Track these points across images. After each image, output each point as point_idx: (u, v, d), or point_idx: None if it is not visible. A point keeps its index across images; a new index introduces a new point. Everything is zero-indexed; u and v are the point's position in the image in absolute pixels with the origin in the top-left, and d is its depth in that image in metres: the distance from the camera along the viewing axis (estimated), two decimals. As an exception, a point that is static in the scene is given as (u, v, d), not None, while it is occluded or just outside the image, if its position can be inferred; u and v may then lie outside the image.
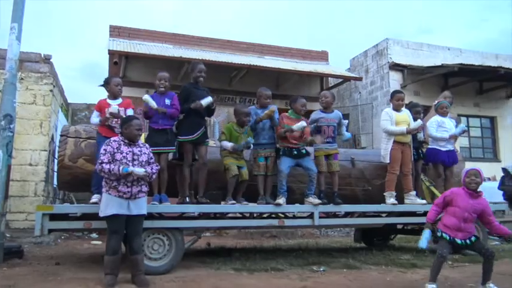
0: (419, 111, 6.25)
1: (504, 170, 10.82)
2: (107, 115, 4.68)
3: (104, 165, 3.97)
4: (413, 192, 5.76)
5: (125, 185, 4.03)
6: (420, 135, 6.12)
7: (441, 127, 6.20)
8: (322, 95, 5.95)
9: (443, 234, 4.02)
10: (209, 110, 5.25)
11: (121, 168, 3.93)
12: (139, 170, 3.97)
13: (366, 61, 14.79)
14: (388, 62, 13.55)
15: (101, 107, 4.83)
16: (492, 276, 4.00)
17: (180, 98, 5.14)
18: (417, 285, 4.25)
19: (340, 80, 14.16)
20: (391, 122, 5.79)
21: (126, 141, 4.16)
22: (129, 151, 4.12)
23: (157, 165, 4.30)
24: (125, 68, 12.23)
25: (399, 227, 7.38)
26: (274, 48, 14.70)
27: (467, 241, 3.97)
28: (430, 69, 12.71)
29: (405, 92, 12.56)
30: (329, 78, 14.63)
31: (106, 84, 5.00)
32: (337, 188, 5.62)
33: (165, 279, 4.39)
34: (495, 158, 14.58)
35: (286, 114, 5.49)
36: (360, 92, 14.97)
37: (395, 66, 13.47)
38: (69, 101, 12.30)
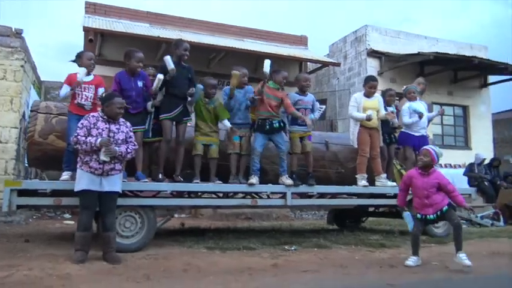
0: (392, 94, 6.36)
1: (478, 157, 11.19)
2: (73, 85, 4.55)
3: (79, 137, 3.93)
4: (384, 175, 5.89)
5: (96, 161, 3.98)
6: (393, 121, 6.21)
7: (414, 112, 6.33)
8: (307, 79, 5.93)
9: (418, 215, 4.46)
10: (190, 93, 5.21)
11: (97, 141, 3.89)
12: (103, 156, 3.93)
13: (345, 47, 14.87)
14: (366, 49, 13.66)
15: (71, 81, 4.68)
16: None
17: (159, 73, 5.07)
18: (384, 262, 4.37)
19: (319, 65, 14.21)
20: (358, 108, 5.89)
21: (105, 117, 4.09)
22: (106, 127, 4.06)
23: (134, 145, 4.24)
24: (100, 47, 11.94)
25: (370, 209, 7.57)
26: (254, 31, 14.58)
27: (438, 213, 4.31)
28: (407, 57, 12.89)
29: (382, 79, 12.96)
30: (308, 63, 14.64)
31: (78, 58, 4.86)
32: (311, 169, 5.70)
33: (137, 256, 4.39)
34: (466, 146, 14.98)
35: (268, 84, 5.48)
36: (338, 78, 15.08)
37: (373, 53, 13.60)
38: (42, 79, 11.98)
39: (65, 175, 4.58)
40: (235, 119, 5.26)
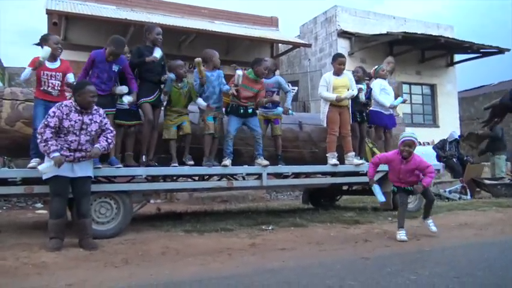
0: (359, 76, 6.42)
1: (451, 135, 11.53)
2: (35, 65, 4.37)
3: (47, 130, 3.82)
4: (352, 153, 5.99)
5: (67, 149, 3.90)
6: (362, 96, 6.28)
7: (384, 90, 6.47)
8: (265, 67, 5.88)
9: (393, 187, 4.75)
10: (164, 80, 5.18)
11: (52, 155, 3.80)
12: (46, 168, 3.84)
13: (315, 28, 14.90)
14: (337, 30, 13.74)
15: (35, 64, 4.52)
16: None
17: (132, 59, 5.07)
18: (358, 238, 4.51)
19: (290, 46, 14.21)
20: (328, 88, 5.94)
21: (77, 108, 3.98)
22: (79, 119, 3.96)
23: (111, 131, 4.16)
24: (65, 30, 11.55)
25: (344, 188, 7.73)
26: (224, 13, 14.41)
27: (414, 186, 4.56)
28: (376, 37, 13.05)
29: (352, 59, 13.11)
30: (279, 44, 14.62)
31: (43, 41, 4.66)
32: (281, 151, 5.78)
33: (114, 241, 4.36)
34: (434, 123, 15.42)
35: (245, 72, 5.44)
36: (309, 59, 15.14)
37: (343, 34, 13.70)
38: (6, 65, 11.52)
39: (33, 162, 4.43)
40: (210, 102, 5.21)
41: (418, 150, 10.83)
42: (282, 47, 15.09)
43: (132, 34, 11.26)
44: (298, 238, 4.58)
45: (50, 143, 3.81)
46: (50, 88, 4.49)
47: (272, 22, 15.01)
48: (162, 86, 5.23)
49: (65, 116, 3.89)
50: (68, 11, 10.62)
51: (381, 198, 4.76)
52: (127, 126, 4.89)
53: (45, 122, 3.85)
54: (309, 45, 13.73)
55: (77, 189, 4.04)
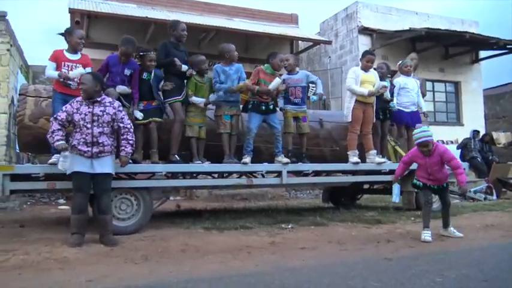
0: (383, 72, 6.31)
1: (474, 131, 11.27)
2: (62, 73, 4.45)
3: (54, 122, 3.95)
4: (374, 151, 5.88)
5: (84, 144, 3.94)
6: (386, 94, 6.17)
7: (404, 89, 6.33)
8: (284, 58, 5.80)
9: (418, 182, 4.52)
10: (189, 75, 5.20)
11: (56, 143, 3.93)
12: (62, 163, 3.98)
13: (336, 25, 14.73)
14: (358, 26, 13.53)
15: (57, 58, 4.54)
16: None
17: (158, 55, 5.08)
18: (380, 238, 4.40)
19: (310, 44, 14.07)
20: (356, 81, 5.83)
21: (87, 100, 4.02)
22: (89, 111, 3.98)
23: (130, 130, 4.14)
24: (87, 29, 11.69)
25: (365, 187, 7.61)
26: (244, 10, 14.37)
27: (441, 186, 4.43)
28: (398, 33, 12.80)
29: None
30: (299, 41, 14.50)
31: (67, 34, 4.70)
32: (305, 149, 5.70)
33: (134, 238, 4.37)
34: (458, 122, 15.05)
35: (262, 68, 5.42)
36: (329, 57, 14.97)
37: (364, 30, 13.48)
38: (30, 64, 11.74)
39: (54, 158, 4.47)
40: (227, 96, 5.19)
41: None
42: (301, 45, 14.97)
43: (153, 32, 11.37)
44: (319, 237, 4.51)
45: (55, 133, 3.91)
46: (69, 80, 4.52)
47: (292, 19, 14.89)
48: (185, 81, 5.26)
49: (75, 110, 3.96)
50: (90, 9, 10.74)
51: (395, 198, 4.69)
52: (145, 125, 4.89)
53: (55, 115, 3.97)
54: (329, 42, 13.58)
55: (97, 185, 4.06)
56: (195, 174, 5.39)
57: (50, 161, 4.45)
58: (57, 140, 3.93)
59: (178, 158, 5.04)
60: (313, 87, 14.06)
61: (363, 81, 5.81)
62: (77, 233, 3.97)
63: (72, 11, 10.51)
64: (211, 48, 12.66)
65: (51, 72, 4.56)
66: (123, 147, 4.14)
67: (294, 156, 5.54)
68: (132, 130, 4.18)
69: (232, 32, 11.92)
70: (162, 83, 5.07)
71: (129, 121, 4.20)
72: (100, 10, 11.01)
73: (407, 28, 12.83)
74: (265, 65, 5.47)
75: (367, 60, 5.94)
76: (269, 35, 12.63)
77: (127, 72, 4.77)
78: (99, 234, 4.12)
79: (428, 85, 14.77)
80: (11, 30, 8.53)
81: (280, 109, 5.66)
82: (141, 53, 4.97)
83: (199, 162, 5.01)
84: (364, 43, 13.54)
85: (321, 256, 3.68)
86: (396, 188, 4.70)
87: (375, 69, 6.40)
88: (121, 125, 4.14)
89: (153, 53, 4.98)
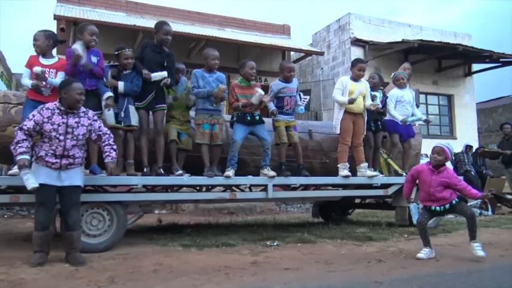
0: (376, 83, 6.07)
1: (467, 146, 11.05)
2: (34, 78, 4.12)
3: (19, 133, 3.55)
4: (365, 164, 5.59)
5: (52, 155, 3.60)
6: (378, 107, 5.92)
7: (400, 102, 6.08)
8: (290, 69, 5.51)
9: (414, 206, 4.51)
10: (165, 85, 4.87)
11: (17, 157, 3.53)
12: (28, 181, 3.52)
13: (328, 36, 14.59)
14: (350, 38, 13.41)
15: (31, 64, 4.23)
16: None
17: (136, 56, 4.82)
18: (372, 257, 4.09)
19: (302, 54, 13.90)
20: (343, 92, 5.57)
21: (62, 108, 3.66)
22: (63, 122, 3.63)
23: (110, 135, 3.88)
24: (74, 37, 11.41)
25: (357, 201, 7.32)
26: (236, 20, 14.21)
27: (447, 206, 4.14)
28: (391, 45, 12.68)
29: (366, 68, 12.69)
30: (291, 53, 14.33)
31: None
32: (301, 160, 5.42)
33: (105, 256, 4.03)
34: (451, 135, 14.89)
35: (236, 82, 5.14)
36: (322, 68, 14.81)
37: (357, 42, 13.37)
38: (14, 71, 11.43)
39: (15, 168, 4.07)
40: (206, 104, 4.89)
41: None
42: (294, 56, 14.80)
43: (141, 41, 11.12)
44: (305, 256, 4.19)
45: (19, 144, 3.53)
46: (42, 86, 4.20)
47: (284, 30, 14.74)
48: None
49: (45, 120, 3.58)
50: (76, 16, 10.47)
51: (416, 219, 4.39)
52: (123, 131, 4.56)
53: (21, 125, 3.59)
54: (322, 53, 13.40)
55: (64, 199, 3.72)
56: (175, 188, 5.05)
57: (11, 171, 4.10)
58: (20, 153, 3.52)
59: (163, 172, 4.72)
60: (304, 98, 13.86)
61: (351, 91, 5.54)
62: (40, 251, 3.62)
63: (57, 18, 10.24)
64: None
65: (26, 79, 4.26)
66: (107, 153, 3.82)
67: (286, 168, 5.22)
68: (112, 135, 3.88)
69: (223, 41, 11.71)
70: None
71: (105, 128, 3.91)
72: (87, 17, 10.74)
73: (400, 40, 12.69)
74: (239, 78, 5.20)
75: (358, 69, 5.69)
76: (260, 45, 12.43)
77: (94, 59, 4.42)
78: (65, 252, 3.77)
79: (422, 98, 14.63)
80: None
81: (272, 113, 5.32)
82: (116, 52, 4.66)
83: (180, 172, 4.69)
84: (356, 54, 13.38)
85: (305, 279, 3.35)
86: (414, 208, 4.49)
87: (369, 78, 6.17)
88: (100, 133, 3.84)
89: (128, 50, 4.67)
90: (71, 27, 10.93)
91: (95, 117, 3.86)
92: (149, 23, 11.85)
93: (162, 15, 13.02)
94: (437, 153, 4.11)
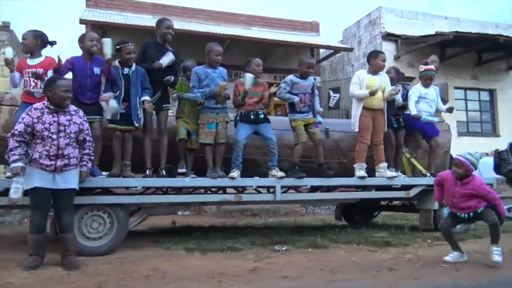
0: (394, 78, 5.66)
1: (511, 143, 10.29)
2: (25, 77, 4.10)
3: (11, 140, 3.49)
4: (384, 164, 5.20)
5: (47, 157, 3.53)
6: (398, 98, 5.50)
7: (423, 99, 5.63)
8: (310, 65, 5.21)
9: (447, 210, 4.21)
10: (167, 83, 4.74)
11: (12, 165, 3.47)
12: (13, 190, 3.44)
13: (359, 32, 14.09)
14: (381, 32, 12.86)
15: (20, 67, 4.21)
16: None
17: (137, 58, 4.68)
18: (384, 265, 3.75)
19: (331, 51, 13.50)
20: (361, 86, 5.22)
21: (51, 107, 3.60)
22: (54, 121, 3.57)
23: (90, 141, 3.80)
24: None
25: (383, 203, 6.92)
26: (262, 19, 14.00)
27: (471, 214, 3.88)
28: (424, 38, 12.02)
29: (399, 64, 12.12)
30: (320, 50, 13.96)
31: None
32: (322, 159, 5.12)
33: (102, 260, 3.92)
34: (494, 132, 13.99)
35: (241, 80, 4.92)
36: (352, 65, 14.31)
37: (388, 36, 12.81)
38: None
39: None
40: (211, 102, 4.70)
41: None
42: (323, 53, 14.42)
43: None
44: (311, 263, 3.91)
45: (13, 152, 3.47)
46: (32, 88, 4.15)
47: (312, 27, 14.38)
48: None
49: (35, 120, 3.50)
50: (101, 20, 10.62)
51: (440, 223, 4.13)
52: (122, 132, 4.45)
53: (12, 131, 3.53)
54: (351, 49, 12.96)
55: (58, 202, 3.64)
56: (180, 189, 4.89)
57: (8, 174, 4.08)
58: (14, 161, 3.47)
59: (164, 173, 4.60)
60: (334, 96, 13.38)
61: (369, 85, 5.18)
62: (34, 255, 3.56)
63: (83, 22, 10.43)
64: (227, 58, 12.37)
65: (12, 79, 4.26)
66: (84, 162, 3.77)
67: (300, 169, 4.95)
68: (92, 142, 3.81)
69: (249, 41, 11.53)
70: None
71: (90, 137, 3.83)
72: (113, 21, 10.88)
73: (434, 32, 12.02)
74: (244, 75, 4.97)
75: (382, 60, 5.34)
76: (286, 43, 12.15)
77: (97, 71, 4.33)
78: (61, 255, 3.69)
79: (460, 93, 13.84)
80: (17, 41, 8.44)
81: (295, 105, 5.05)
82: (118, 46, 4.53)
83: (184, 170, 4.54)
84: (388, 49, 12.80)
85: (302, 288, 3.10)
86: (444, 212, 4.25)
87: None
88: (87, 137, 3.76)
89: (131, 45, 4.54)
90: (98, 32, 11.09)
91: (85, 118, 3.77)
92: (175, 24, 11.87)
93: (189, 16, 13.04)
94: (457, 166, 3.82)
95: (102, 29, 11.12)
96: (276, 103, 13.70)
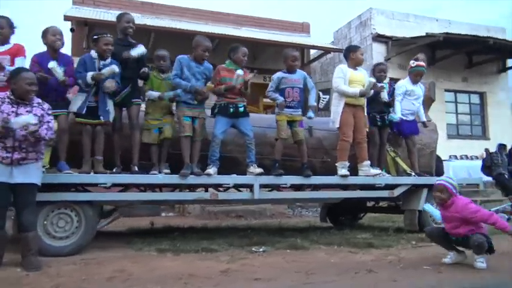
0: (383, 69, 5.56)
1: (501, 145, 10.22)
2: None
3: None
4: (367, 162, 5.04)
5: (3, 149, 3.32)
6: (384, 95, 5.38)
7: (409, 96, 5.52)
8: (295, 57, 5.09)
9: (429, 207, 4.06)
10: (143, 75, 4.59)
11: None
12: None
13: (350, 33, 13.99)
14: (372, 33, 12.75)
15: None
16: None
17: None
18: (364, 267, 3.57)
19: (322, 52, 13.37)
20: (344, 81, 5.07)
21: (12, 98, 3.41)
22: (12, 111, 3.37)
23: (51, 123, 3.55)
24: (88, 39, 11.38)
25: (369, 204, 6.76)
26: (252, 18, 13.85)
27: (459, 239, 3.66)
28: (414, 39, 11.92)
29: (389, 65, 11.96)
30: (310, 51, 13.82)
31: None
32: (306, 159, 4.97)
33: (66, 261, 3.71)
34: (484, 136, 13.91)
35: (223, 66, 4.75)
36: (342, 66, 14.18)
37: (378, 38, 12.71)
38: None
39: None
40: (189, 97, 4.51)
41: (464, 165, 9.61)
42: (313, 54, 14.28)
43: (154, 41, 10.97)
44: (288, 264, 3.72)
45: None
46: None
47: (303, 28, 14.24)
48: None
49: None
50: (87, 17, 10.40)
51: (437, 215, 3.85)
52: (92, 126, 4.24)
53: None
54: (341, 50, 12.74)
55: (17, 198, 3.43)
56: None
57: None
58: None
59: (137, 169, 4.40)
60: (324, 97, 13.24)
61: (351, 81, 5.05)
62: (-9, 255, 3.35)
63: (67, 19, 10.21)
64: (215, 59, 12.20)
65: None
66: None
67: (279, 166, 4.78)
68: (53, 134, 3.55)
69: (238, 40, 11.35)
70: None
71: (51, 133, 3.54)
72: (100, 18, 10.66)
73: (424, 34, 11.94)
74: (227, 61, 4.80)
75: (361, 53, 5.26)
76: (276, 43, 11.99)
77: (61, 70, 4.13)
78: (21, 256, 3.47)
79: (451, 96, 13.78)
80: None
81: (279, 106, 4.90)
82: (95, 36, 4.33)
83: (155, 172, 4.34)
84: (378, 51, 12.74)
85: (273, 291, 2.91)
86: (428, 208, 4.02)
87: (372, 70, 5.67)
88: (47, 131, 3.49)
89: (110, 36, 4.33)
90: (85, 30, 10.88)
91: (49, 112, 3.56)
92: (163, 23, 11.69)
93: (177, 15, 12.87)
94: (440, 192, 3.62)
95: (88, 26, 10.92)
96: (265, 104, 13.57)
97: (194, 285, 3.01)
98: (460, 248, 3.76)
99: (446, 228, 3.72)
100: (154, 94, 4.56)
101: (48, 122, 3.48)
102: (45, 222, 3.91)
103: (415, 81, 5.64)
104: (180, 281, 3.10)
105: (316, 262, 3.82)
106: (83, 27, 10.81)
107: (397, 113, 5.44)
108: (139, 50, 4.48)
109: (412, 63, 5.72)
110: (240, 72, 4.54)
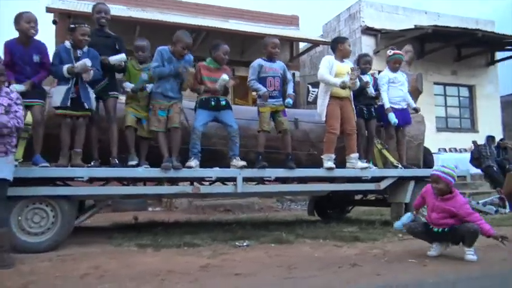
0: (368, 61, 5.48)
1: (489, 137, 10.24)
2: None
3: None
4: (355, 155, 4.96)
5: None
6: (370, 90, 5.32)
7: (393, 83, 5.46)
8: (275, 44, 4.94)
9: (424, 218, 3.91)
10: (119, 68, 4.52)
11: None
12: None
13: (339, 26, 13.89)
14: (361, 26, 12.66)
15: None
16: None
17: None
18: (347, 261, 3.49)
19: (311, 45, 13.27)
20: (330, 72, 4.98)
21: None
22: None
23: (17, 118, 3.40)
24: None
25: (357, 197, 6.70)
26: (241, 11, 13.69)
27: (446, 230, 3.58)
28: (403, 32, 11.85)
29: (379, 58, 11.93)
30: (299, 44, 13.71)
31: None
32: (290, 150, 4.86)
33: (42, 257, 3.59)
34: (472, 128, 13.93)
35: (204, 63, 4.63)
36: (332, 60, 14.09)
37: (367, 30, 12.62)
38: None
39: None
40: (166, 87, 4.36)
41: (453, 158, 9.53)
42: (302, 48, 14.16)
43: (139, 34, 10.77)
44: (271, 259, 3.63)
45: None
46: None
47: (292, 21, 14.12)
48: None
49: None
50: (69, 9, 10.18)
51: (398, 225, 3.87)
52: (73, 118, 4.09)
53: None
54: (328, 43, 12.64)
55: (-14, 193, 3.29)
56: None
57: None
58: None
59: (117, 162, 4.28)
60: (313, 91, 13.14)
61: (338, 73, 4.95)
62: (-40, 252, 3.21)
63: (50, 11, 9.98)
64: (204, 52, 12.02)
65: None
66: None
67: (263, 159, 4.68)
68: (21, 124, 3.39)
69: (226, 33, 11.20)
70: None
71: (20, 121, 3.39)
72: (83, 10, 10.44)
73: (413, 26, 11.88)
74: (208, 59, 4.68)
75: (349, 45, 5.17)
76: (264, 35, 11.83)
77: (36, 58, 3.98)
78: (-7, 253, 3.34)
79: (440, 89, 13.76)
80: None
81: (261, 97, 4.78)
82: (72, 25, 4.17)
83: (134, 162, 4.22)
84: (367, 44, 12.66)
85: (252, 287, 2.81)
86: (405, 216, 3.88)
87: (357, 61, 5.59)
88: (13, 112, 3.33)
89: (87, 26, 4.18)
90: (66, 21, 10.64)
91: (18, 101, 3.41)
92: (149, 15, 11.48)
93: (165, 7, 12.67)
94: (436, 182, 3.58)
95: (71, 18, 10.68)
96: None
97: (171, 281, 2.91)
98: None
99: (431, 218, 3.64)
100: (129, 85, 4.44)
101: (16, 111, 3.33)
102: (19, 218, 3.77)
103: (394, 69, 5.60)
104: (157, 278, 2.99)
105: (300, 256, 3.73)
106: (66, 20, 10.57)
107: (386, 103, 5.37)
108: (118, 57, 4.35)
109: (389, 51, 5.69)
110: (225, 77, 4.43)
